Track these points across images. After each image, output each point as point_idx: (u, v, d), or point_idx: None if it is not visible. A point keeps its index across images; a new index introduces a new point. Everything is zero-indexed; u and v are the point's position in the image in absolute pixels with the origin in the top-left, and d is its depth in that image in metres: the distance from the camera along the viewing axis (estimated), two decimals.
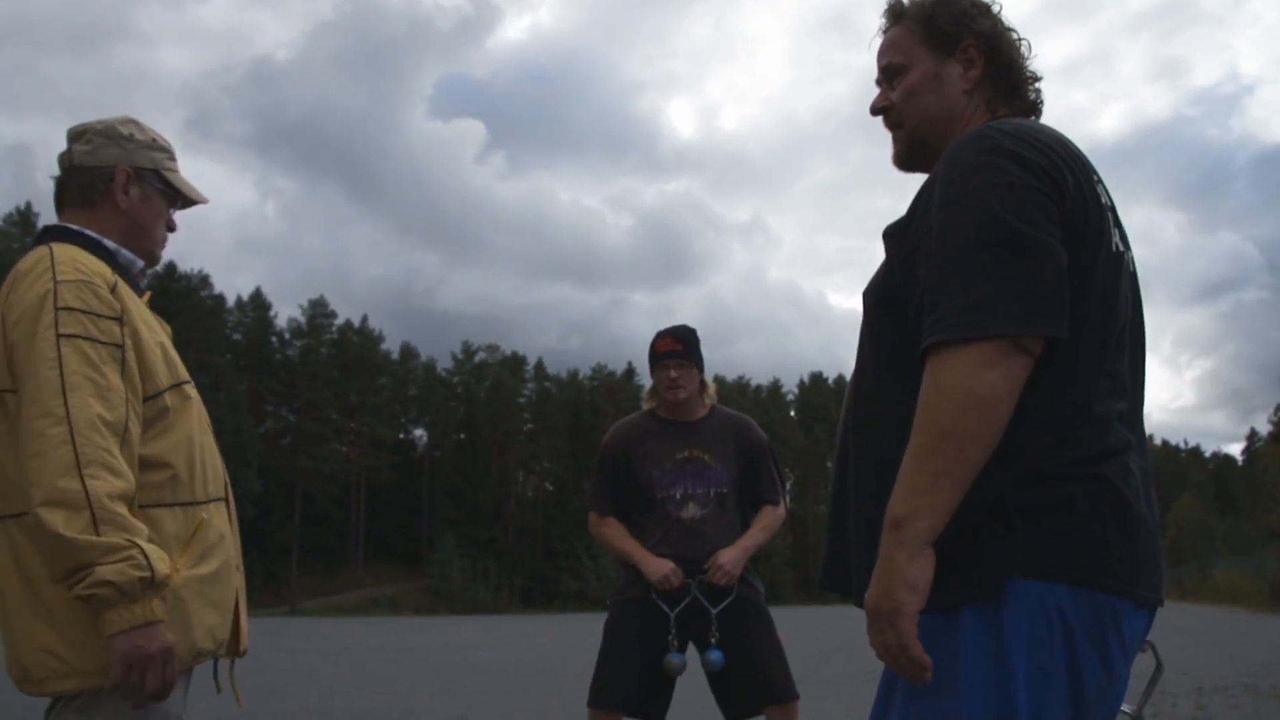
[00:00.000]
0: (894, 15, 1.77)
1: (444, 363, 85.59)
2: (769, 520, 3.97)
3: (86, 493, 1.70)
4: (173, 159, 2.19)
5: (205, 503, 2.02)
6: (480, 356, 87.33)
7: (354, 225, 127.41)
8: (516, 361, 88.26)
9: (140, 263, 2.12)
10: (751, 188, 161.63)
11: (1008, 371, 1.38)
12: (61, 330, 1.80)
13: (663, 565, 3.74)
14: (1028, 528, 1.45)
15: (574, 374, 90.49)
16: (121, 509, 1.74)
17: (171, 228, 2.22)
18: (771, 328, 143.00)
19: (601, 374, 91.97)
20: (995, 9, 1.74)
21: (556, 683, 11.11)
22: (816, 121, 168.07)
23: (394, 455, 78.98)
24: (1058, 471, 1.47)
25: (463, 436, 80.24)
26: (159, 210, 2.15)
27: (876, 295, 1.66)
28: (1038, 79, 1.76)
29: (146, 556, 1.74)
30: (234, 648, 2.09)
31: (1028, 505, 1.46)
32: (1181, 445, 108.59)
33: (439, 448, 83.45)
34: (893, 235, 1.63)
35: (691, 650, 3.83)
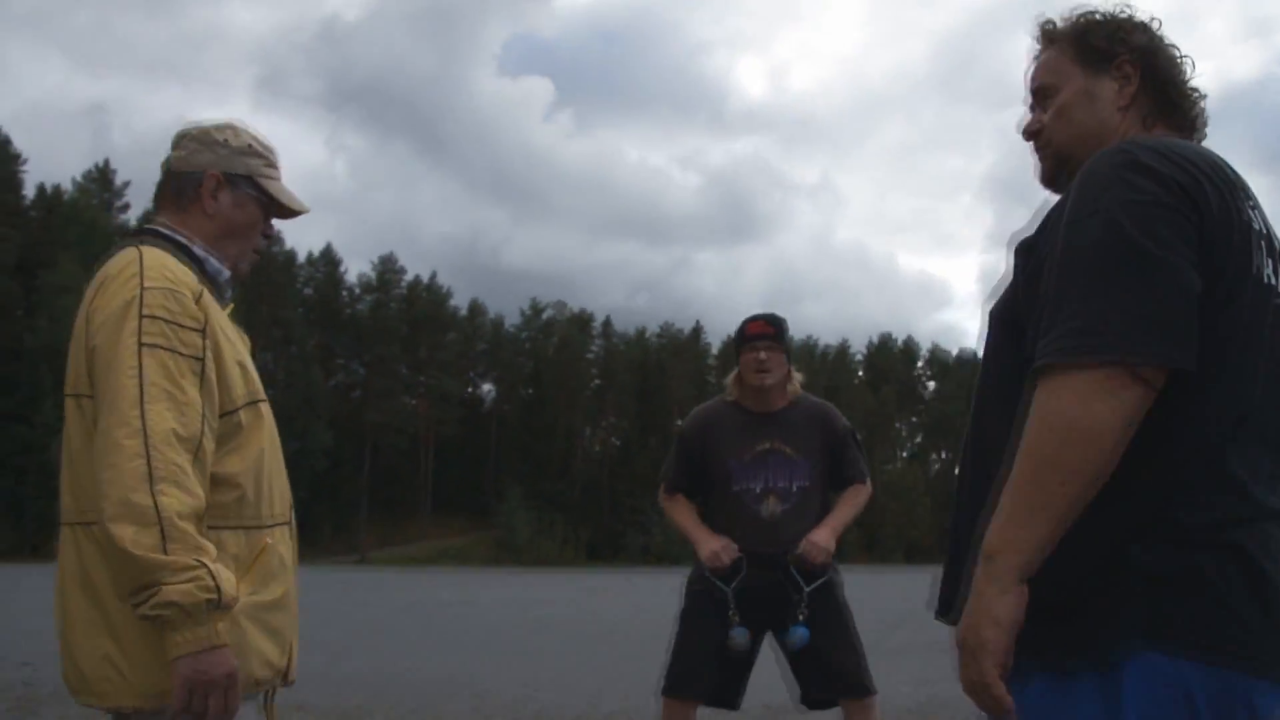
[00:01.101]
0: (1047, 38, 1.73)
1: (511, 319, 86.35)
2: (857, 497, 3.94)
3: (157, 509, 1.68)
4: (271, 165, 2.12)
5: (270, 526, 1.96)
6: (548, 314, 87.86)
7: (422, 182, 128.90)
8: (584, 319, 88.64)
9: (227, 272, 2.07)
10: (820, 148, 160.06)
11: (1120, 404, 1.29)
12: (144, 339, 1.78)
13: (713, 542, 3.70)
14: (1151, 593, 1.34)
15: (641, 332, 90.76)
16: (191, 527, 1.71)
17: (269, 235, 2.15)
18: (839, 289, 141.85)
19: (669, 332, 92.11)
20: (1154, 25, 1.67)
21: (623, 646, 11.14)
22: (889, 82, 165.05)
23: (462, 409, 79.99)
24: (1185, 536, 1.35)
25: (530, 392, 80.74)
26: (252, 217, 2.09)
27: (1000, 313, 1.59)
28: (1200, 97, 1.67)
29: (214, 577, 1.70)
30: (283, 676, 2.04)
31: (1151, 569, 1.34)
32: None
33: (507, 402, 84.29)
34: (1020, 250, 1.55)
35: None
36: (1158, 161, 1.39)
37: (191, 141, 2.07)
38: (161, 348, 1.78)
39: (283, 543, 2.00)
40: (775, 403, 3.84)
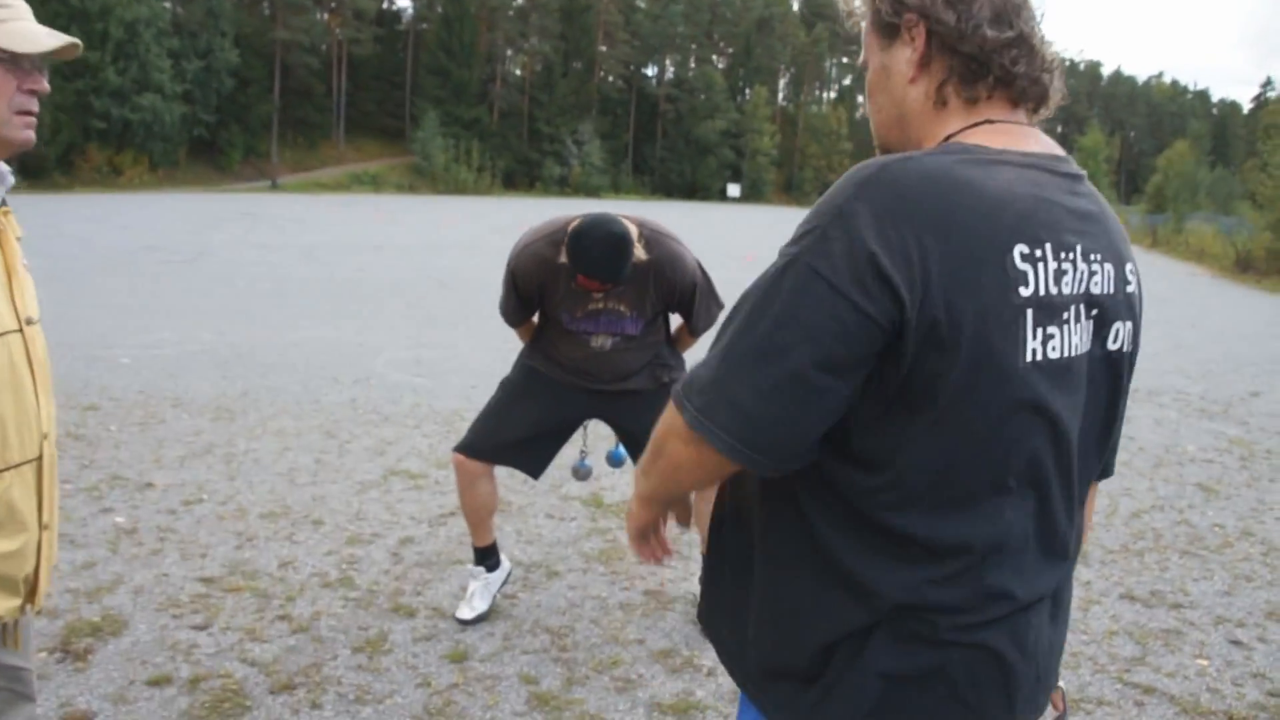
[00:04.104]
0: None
1: None
2: (686, 344, 3.91)
3: None
4: None
5: (3, 471, 1.79)
6: None
7: None
8: None
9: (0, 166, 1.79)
10: None
11: (699, 456, 1.32)
12: None
13: None
14: (893, 692, 1.32)
15: None
16: None
17: (34, 89, 1.78)
18: None
19: None
20: None
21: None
22: None
23: (377, 27, 76.25)
24: (933, 635, 1.31)
25: (449, 9, 76.88)
26: None
27: None
28: (1019, 43, 1.34)
29: None
30: (23, 608, 1.94)
31: (894, 670, 1.31)
32: (1190, 86, 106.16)
33: (425, 21, 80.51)
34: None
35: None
36: (875, 220, 1.19)
37: None
38: None
39: (20, 485, 1.81)
40: None
